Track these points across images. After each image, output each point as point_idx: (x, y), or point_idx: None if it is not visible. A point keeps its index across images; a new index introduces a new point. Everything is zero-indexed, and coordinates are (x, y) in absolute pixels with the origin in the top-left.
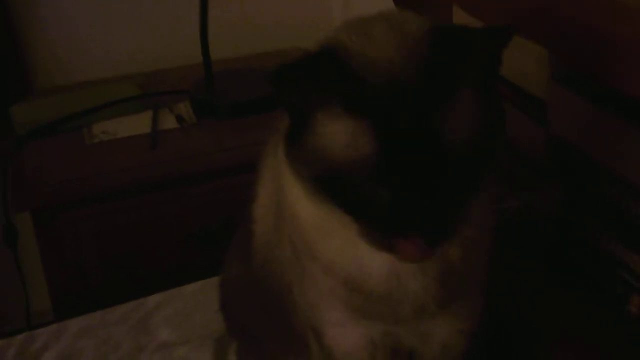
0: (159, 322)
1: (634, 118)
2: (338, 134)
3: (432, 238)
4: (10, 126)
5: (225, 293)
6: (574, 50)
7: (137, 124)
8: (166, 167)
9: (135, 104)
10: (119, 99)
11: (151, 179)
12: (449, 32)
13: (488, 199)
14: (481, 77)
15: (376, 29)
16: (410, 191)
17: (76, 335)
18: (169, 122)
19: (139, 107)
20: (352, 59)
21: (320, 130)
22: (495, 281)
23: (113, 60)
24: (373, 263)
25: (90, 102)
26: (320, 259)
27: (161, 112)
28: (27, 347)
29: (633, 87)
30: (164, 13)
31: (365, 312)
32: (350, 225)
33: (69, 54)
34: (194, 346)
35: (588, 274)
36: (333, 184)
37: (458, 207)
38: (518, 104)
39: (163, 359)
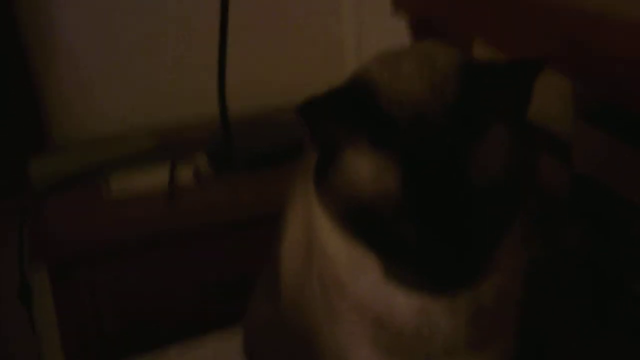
0: None
1: None
2: (365, 170)
3: (459, 280)
4: (27, 181)
5: (250, 336)
6: (602, 81)
7: (154, 178)
8: (183, 220)
9: (152, 157)
10: (136, 152)
11: (168, 233)
12: (479, 67)
13: (519, 241)
14: (512, 113)
15: (406, 63)
16: (436, 230)
17: None
18: (186, 175)
19: (157, 160)
20: (380, 94)
21: (347, 166)
22: (529, 326)
23: (130, 115)
24: (403, 301)
25: (108, 156)
26: (350, 297)
27: (178, 165)
28: None
29: None
30: (179, 68)
31: (394, 351)
32: (379, 264)
33: (86, 109)
34: None
35: (621, 316)
36: (360, 221)
37: (488, 247)
38: (541, 145)
39: None
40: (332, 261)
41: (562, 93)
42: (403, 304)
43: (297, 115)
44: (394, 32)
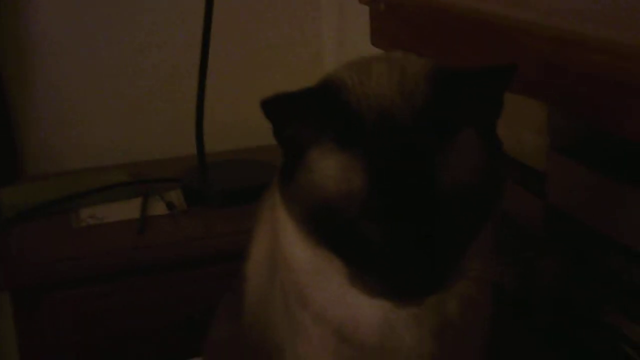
0: None
1: (635, 182)
2: (331, 169)
3: (424, 285)
4: None
5: (210, 355)
6: (577, 103)
7: (126, 210)
8: (153, 251)
9: (125, 190)
10: (109, 184)
11: (137, 263)
12: (450, 72)
13: (487, 253)
14: (482, 119)
15: (376, 67)
16: (401, 231)
17: None
18: (159, 208)
19: (130, 193)
20: (349, 95)
21: (313, 165)
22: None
23: (107, 151)
24: (365, 312)
25: (80, 188)
26: (312, 306)
27: (151, 198)
28: None
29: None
30: (157, 106)
31: None
32: (343, 270)
33: (61, 143)
34: None
35: (590, 350)
36: (325, 223)
37: (454, 254)
38: (515, 176)
39: None
40: (294, 270)
41: (536, 127)
42: (366, 314)
43: (262, 109)
44: None
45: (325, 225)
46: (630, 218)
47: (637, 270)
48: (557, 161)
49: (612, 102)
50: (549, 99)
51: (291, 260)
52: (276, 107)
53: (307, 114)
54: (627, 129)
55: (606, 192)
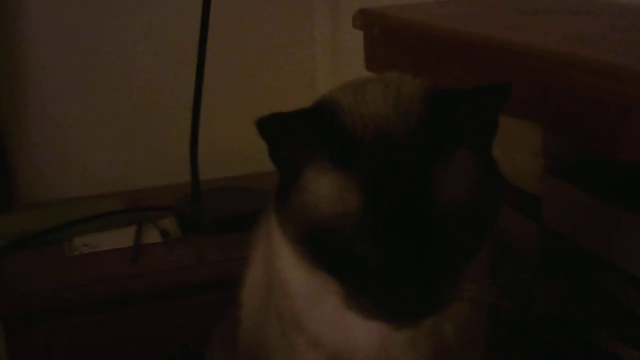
0: None
1: (631, 206)
2: (325, 189)
3: (419, 306)
4: None
5: None
6: (570, 124)
7: (120, 238)
8: (147, 280)
9: (119, 218)
10: (103, 213)
11: (130, 292)
12: (445, 92)
13: (483, 275)
14: (477, 138)
15: (371, 87)
16: (396, 252)
17: None
18: (153, 236)
19: (123, 222)
20: (344, 115)
21: (308, 185)
22: None
23: (99, 178)
24: (361, 336)
25: (73, 216)
26: (307, 331)
27: (145, 227)
28: None
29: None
30: (149, 133)
31: None
32: (338, 292)
33: (55, 171)
34: None
35: None
36: (320, 244)
37: (450, 275)
38: (510, 200)
39: None
40: (289, 294)
41: (531, 151)
42: (361, 338)
43: (257, 128)
44: None
45: (320, 246)
46: (626, 241)
47: (634, 293)
48: (552, 184)
49: (607, 125)
50: (544, 121)
51: (286, 283)
52: (271, 126)
53: (302, 133)
54: (623, 152)
55: (602, 215)
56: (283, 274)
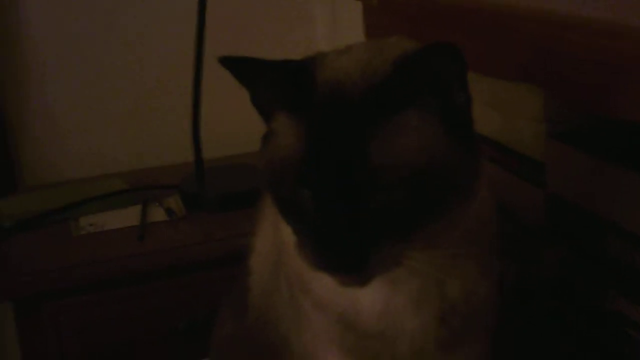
0: None
1: (635, 167)
2: (282, 134)
3: (346, 262)
4: None
5: (216, 355)
6: (571, 86)
7: (125, 217)
8: (153, 258)
9: (124, 198)
10: (108, 192)
11: (137, 270)
12: (416, 53)
13: (490, 238)
14: (433, 101)
15: (358, 47)
16: (327, 202)
17: None
18: (158, 215)
19: (128, 201)
20: (317, 68)
21: (274, 130)
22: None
23: (103, 159)
24: (365, 299)
25: (79, 197)
26: (313, 293)
27: (150, 205)
28: None
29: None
30: (152, 113)
31: (361, 353)
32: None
33: (59, 153)
34: None
35: (594, 336)
36: (275, 189)
37: (385, 237)
38: (514, 167)
39: None
40: (295, 259)
41: (533, 116)
42: (366, 301)
43: (220, 62)
44: None
45: (276, 191)
46: (631, 202)
47: (639, 255)
48: (555, 149)
49: (607, 85)
50: (545, 84)
51: (288, 244)
52: (232, 62)
53: (272, 80)
54: (624, 111)
55: (606, 178)
56: (287, 237)
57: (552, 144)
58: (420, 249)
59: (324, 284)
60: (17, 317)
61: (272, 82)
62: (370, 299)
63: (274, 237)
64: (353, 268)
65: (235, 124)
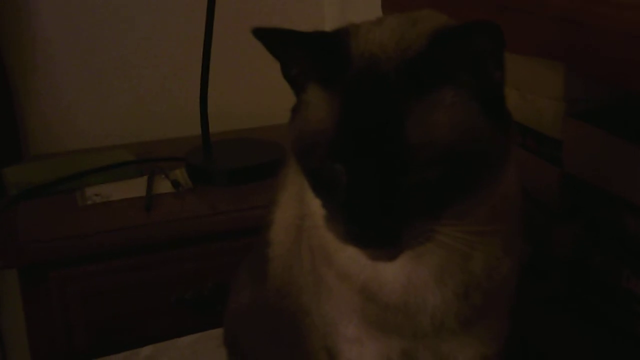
0: None
1: None
2: (314, 107)
3: (378, 237)
4: (2, 188)
5: (232, 325)
6: (595, 59)
7: (132, 188)
8: (160, 229)
9: (130, 169)
10: (115, 163)
11: (144, 241)
12: (452, 30)
13: (515, 217)
14: (471, 80)
15: (390, 19)
16: (361, 176)
17: None
18: (164, 186)
19: (134, 172)
20: (352, 40)
21: (305, 101)
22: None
23: (109, 130)
24: (388, 271)
25: (85, 166)
26: (336, 265)
27: (157, 177)
28: None
29: None
30: (159, 86)
31: (382, 325)
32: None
33: (65, 123)
34: None
35: (608, 315)
36: (305, 161)
37: (417, 212)
38: (531, 146)
39: None
40: (318, 230)
41: (553, 95)
42: (388, 273)
43: (254, 34)
44: None
45: (306, 162)
46: None
47: None
48: (574, 127)
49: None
50: (569, 58)
51: (314, 216)
52: (265, 34)
53: (306, 52)
54: None
55: (624, 157)
56: (312, 208)
57: (571, 122)
58: (448, 224)
59: (347, 255)
60: (22, 285)
61: (305, 54)
62: (393, 272)
63: (295, 209)
64: (385, 243)
65: (243, 98)
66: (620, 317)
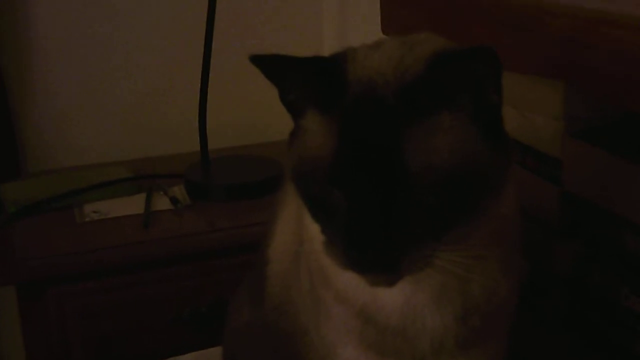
0: None
1: None
2: (312, 132)
3: (377, 263)
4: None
5: (231, 343)
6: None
7: (130, 205)
8: (158, 246)
9: (128, 186)
10: (113, 180)
11: (142, 258)
12: (451, 54)
13: (514, 239)
14: (469, 104)
15: (389, 43)
16: (360, 203)
17: None
18: (162, 203)
19: (133, 189)
20: (349, 65)
21: (303, 127)
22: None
23: (108, 147)
24: (387, 293)
25: (83, 183)
26: (335, 287)
27: (155, 194)
28: None
29: None
30: (157, 102)
31: (380, 348)
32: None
33: (63, 140)
34: None
35: (607, 334)
36: (303, 186)
37: (417, 238)
38: (530, 164)
39: None
40: (317, 252)
41: (552, 114)
42: (387, 296)
43: (251, 61)
44: None
45: (304, 188)
46: None
47: None
48: (573, 146)
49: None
50: (571, 77)
51: (312, 240)
52: (263, 60)
53: (303, 77)
54: None
55: (623, 176)
56: (309, 230)
57: (571, 141)
58: (447, 249)
59: (345, 279)
60: (20, 302)
61: (303, 80)
62: (392, 295)
63: (295, 228)
64: (385, 269)
65: (241, 115)
66: (620, 335)
